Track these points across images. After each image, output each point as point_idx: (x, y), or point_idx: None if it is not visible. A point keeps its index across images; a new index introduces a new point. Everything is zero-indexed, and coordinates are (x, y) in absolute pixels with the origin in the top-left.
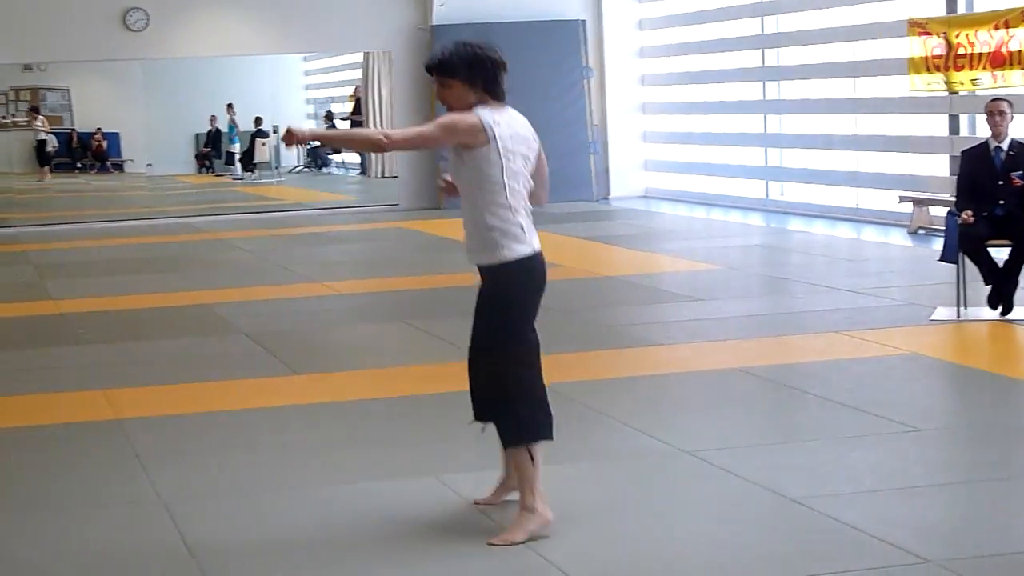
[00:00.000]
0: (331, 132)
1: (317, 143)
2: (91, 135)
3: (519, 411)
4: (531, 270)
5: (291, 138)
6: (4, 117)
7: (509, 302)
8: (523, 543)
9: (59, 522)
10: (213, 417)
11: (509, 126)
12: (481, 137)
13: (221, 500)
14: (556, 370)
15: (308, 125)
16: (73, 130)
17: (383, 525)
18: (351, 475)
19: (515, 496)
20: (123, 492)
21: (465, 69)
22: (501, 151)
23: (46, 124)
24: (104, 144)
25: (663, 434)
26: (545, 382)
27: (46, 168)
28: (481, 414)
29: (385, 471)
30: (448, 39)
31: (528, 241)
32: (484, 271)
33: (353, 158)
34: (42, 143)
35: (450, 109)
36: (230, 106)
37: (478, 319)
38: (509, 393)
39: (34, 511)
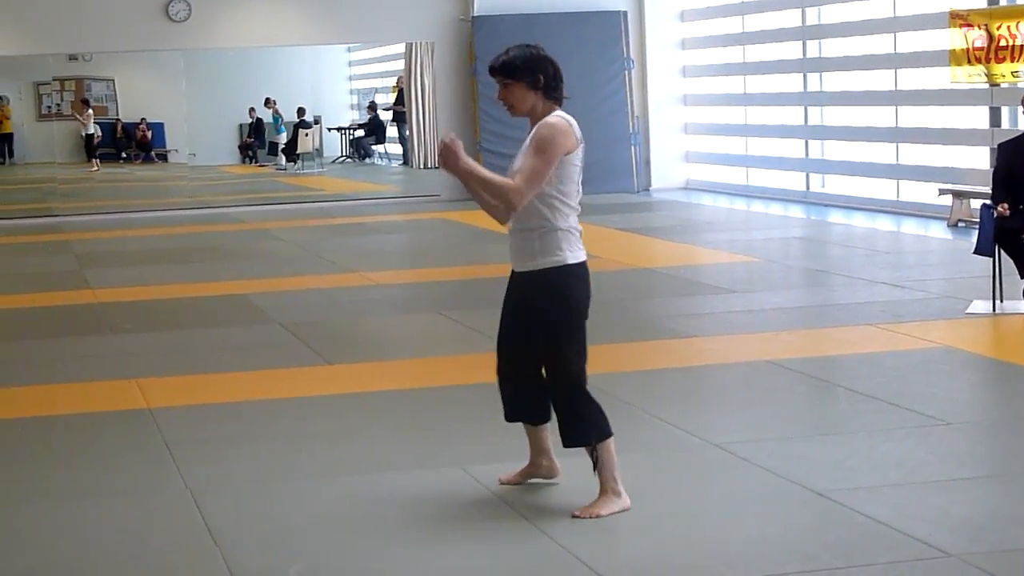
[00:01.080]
0: (479, 172)
1: (364, 135)
2: (136, 125)
3: (587, 413)
4: (587, 274)
5: (448, 156)
6: (49, 107)
7: (574, 303)
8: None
9: (86, 510)
10: (243, 406)
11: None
12: (572, 141)
13: (248, 488)
14: (588, 362)
15: (350, 116)
16: (118, 120)
17: (407, 514)
18: (377, 464)
19: (538, 480)
20: (151, 480)
21: (529, 71)
22: (582, 155)
23: (91, 116)
24: (149, 134)
25: (692, 426)
26: None
27: (95, 160)
28: (524, 415)
29: (411, 461)
30: (488, 30)
31: (583, 248)
32: (538, 275)
33: (396, 149)
34: (90, 136)
35: (511, 109)
36: (269, 100)
37: (538, 322)
38: (578, 394)
39: (61, 499)
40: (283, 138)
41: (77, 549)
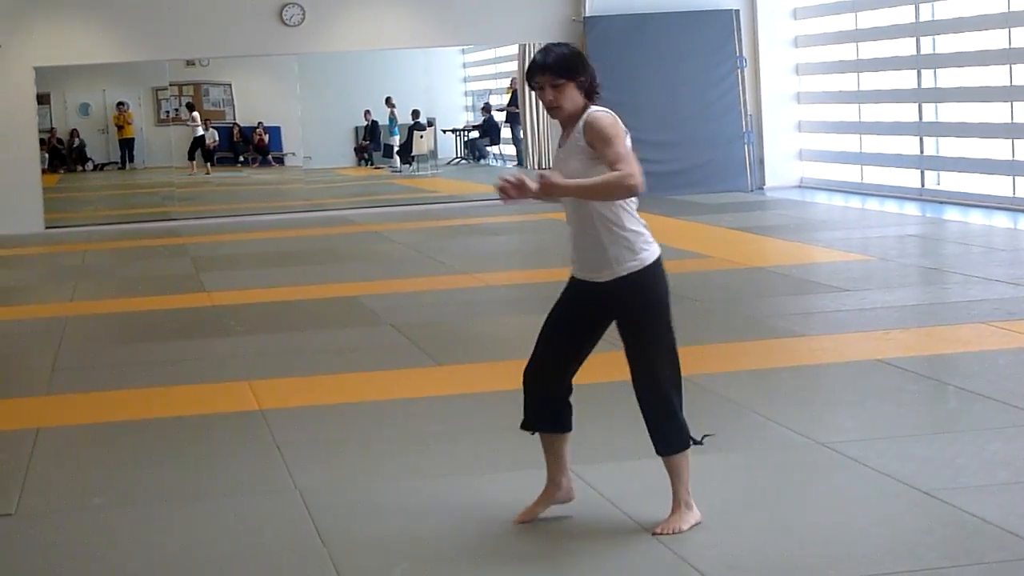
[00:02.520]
0: (576, 185)
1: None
2: (253, 129)
3: (675, 417)
4: (664, 270)
5: (550, 191)
6: (167, 112)
7: (662, 304)
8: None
9: (196, 512)
10: (354, 408)
11: None
12: (624, 131)
13: (356, 489)
14: (696, 362)
15: (464, 117)
16: (235, 124)
17: (513, 516)
18: (485, 465)
19: (554, 505)
20: (261, 482)
21: (582, 71)
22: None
23: (198, 120)
24: (266, 138)
25: (799, 425)
26: (685, 373)
27: (194, 163)
28: (550, 423)
29: (519, 462)
30: (600, 30)
31: (654, 241)
32: (626, 280)
33: (510, 150)
34: (198, 139)
35: (559, 111)
36: (389, 99)
37: (636, 334)
38: (672, 401)
39: (173, 501)
40: (397, 140)
41: (190, 549)
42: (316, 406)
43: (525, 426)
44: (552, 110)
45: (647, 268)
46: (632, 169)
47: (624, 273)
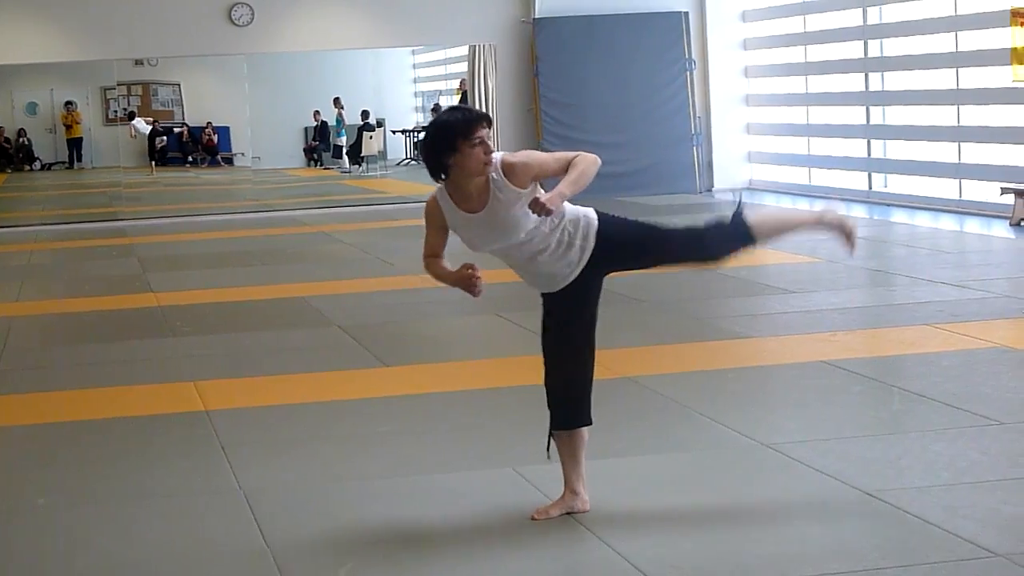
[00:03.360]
0: (575, 178)
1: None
2: (202, 129)
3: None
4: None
5: (543, 210)
6: (116, 112)
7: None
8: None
9: (141, 512)
10: (299, 409)
11: None
12: None
13: (300, 490)
14: (642, 362)
15: (414, 118)
16: (184, 124)
17: (458, 516)
18: (431, 465)
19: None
20: (205, 483)
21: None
22: None
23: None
24: (215, 138)
25: (743, 427)
26: (630, 374)
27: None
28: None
29: (464, 462)
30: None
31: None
32: (597, 248)
33: None
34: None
35: (487, 165)
36: (337, 100)
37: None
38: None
39: (117, 501)
40: (345, 140)
41: (134, 550)
42: (262, 407)
43: (560, 426)
44: (486, 167)
45: (593, 221)
46: (576, 151)
47: (595, 240)
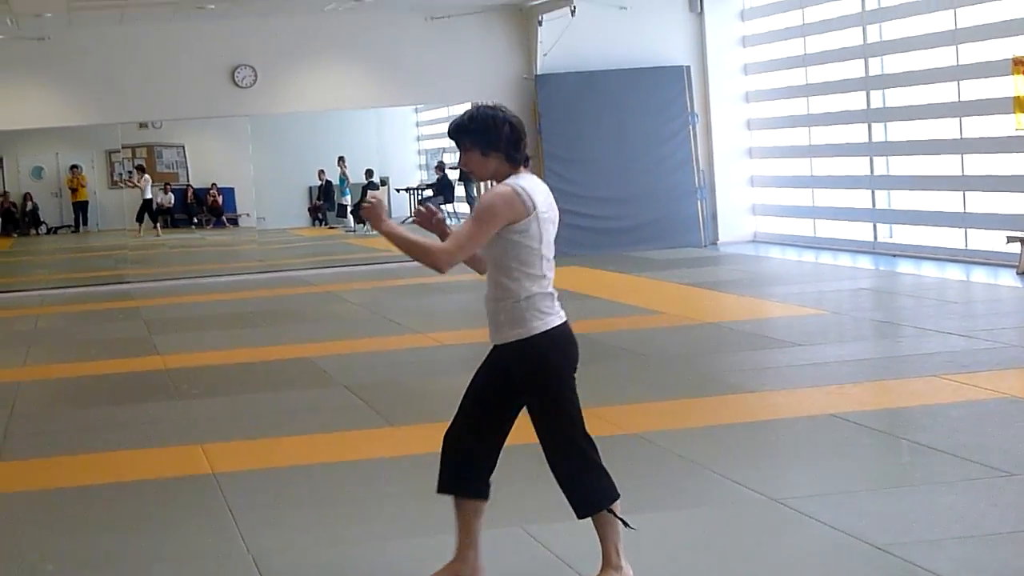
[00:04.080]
0: (399, 232)
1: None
2: (207, 191)
3: (589, 479)
4: (566, 337)
5: (369, 214)
6: (120, 175)
7: (553, 370)
8: None
9: None
10: (306, 470)
11: (541, 193)
12: (520, 210)
13: (309, 552)
14: (648, 418)
15: (418, 176)
16: (189, 186)
17: None
18: (439, 526)
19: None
20: (214, 547)
21: (482, 136)
22: (540, 221)
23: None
24: (220, 199)
25: (753, 482)
26: (637, 430)
27: (141, 226)
28: (463, 486)
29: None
30: (552, 87)
31: (559, 311)
32: (513, 347)
33: (465, 208)
34: (147, 201)
35: (472, 175)
36: (341, 159)
37: (523, 392)
38: (581, 464)
39: (126, 567)
40: (349, 199)
41: None
42: (269, 469)
43: (439, 488)
44: (469, 174)
45: (534, 337)
46: (454, 253)
47: (513, 339)
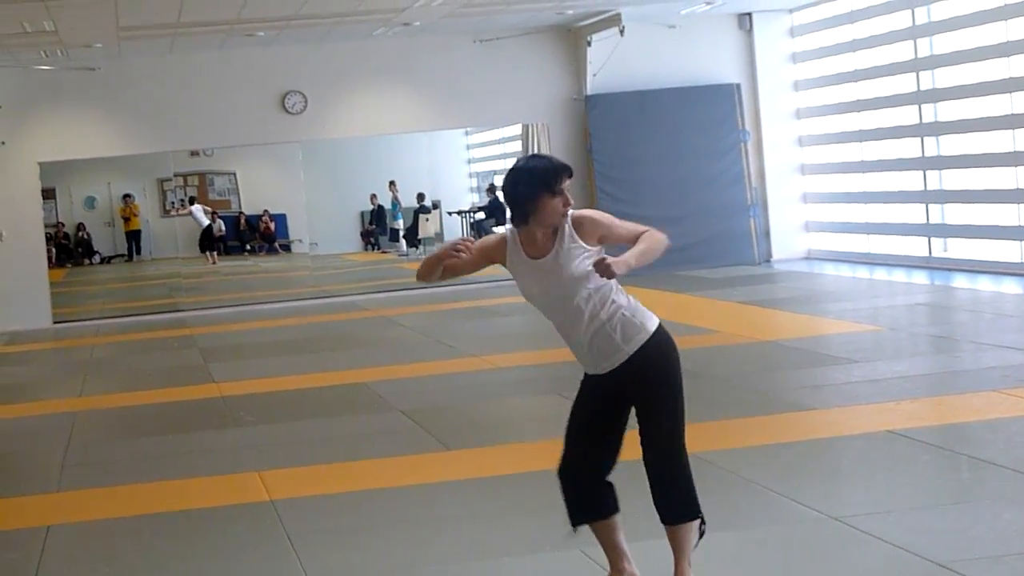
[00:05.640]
0: (638, 255)
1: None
2: (258, 217)
3: (692, 486)
4: (668, 334)
5: (607, 271)
6: (173, 203)
7: (676, 369)
8: None
9: None
10: (364, 495)
11: None
12: None
13: None
14: (705, 438)
15: (469, 199)
16: (241, 213)
17: None
18: (498, 549)
19: None
20: (272, 573)
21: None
22: None
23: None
24: (272, 225)
25: (811, 500)
26: (694, 450)
27: (208, 254)
28: (596, 511)
29: (532, 545)
30: (602, 108)
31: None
32: (634, 359)
33: None
34: (207, 230)
35: (563, 216)
36: (392, 183)
37: (657, 405)
38: (685, 471)
39: None
40: (401, 223)
41: None
42: (326, 495)
43: (573, 522)
44: (563, 218)
45: (654, 336)
46: (647, 226)
47: (636, 348)
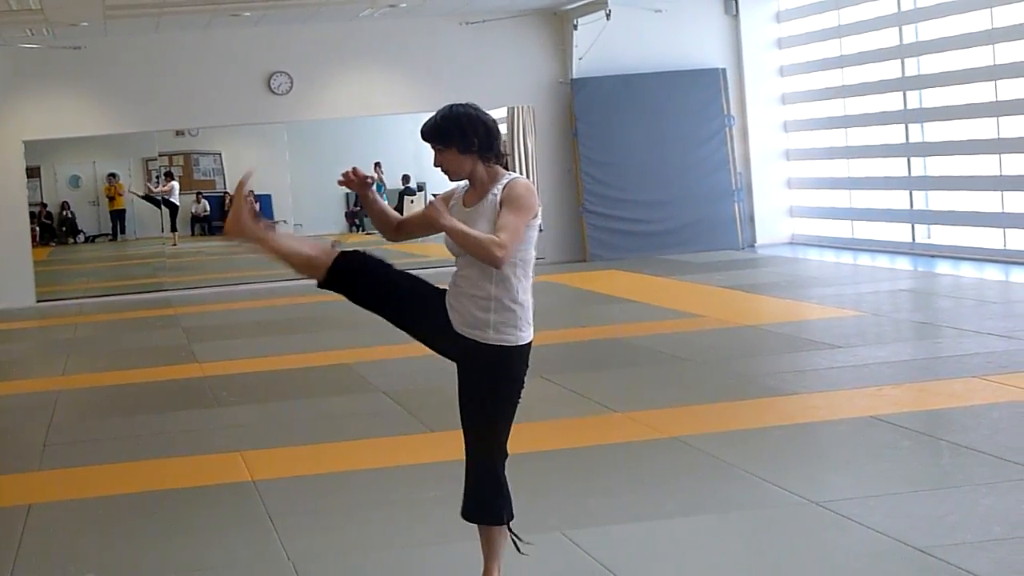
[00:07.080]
0: (459, 227)
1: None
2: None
3: (498, 491)
4: (528, 353)
5: (434, 215)
6: (158, 183)
7: (515, 383)
8: None
9: None
10: (346, 476)
11: None
12: (537, 205)
13: (350, 560)
14: (687, 422)
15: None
16: (226, 193)
17: None
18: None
19: None
20: (254, 555)
21: (460, 135)
22: (539, 222)
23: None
24: (257, 206)
25: (793, 485)
26: (676, 434)
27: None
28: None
29: (513, 526)
30: (588, 91)
31: (531, 324)
32: (485, 349)
33: None
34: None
35: (449, 175)
36: (378, 165)
37: (476, 393)
38: (502, 474)
39: (165, 574)
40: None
41: None
42: (309, 476)
43: (509, 518)
44: (445, 174)
45: (513, 348)
46: (507, 242)
47: (491, 343)
